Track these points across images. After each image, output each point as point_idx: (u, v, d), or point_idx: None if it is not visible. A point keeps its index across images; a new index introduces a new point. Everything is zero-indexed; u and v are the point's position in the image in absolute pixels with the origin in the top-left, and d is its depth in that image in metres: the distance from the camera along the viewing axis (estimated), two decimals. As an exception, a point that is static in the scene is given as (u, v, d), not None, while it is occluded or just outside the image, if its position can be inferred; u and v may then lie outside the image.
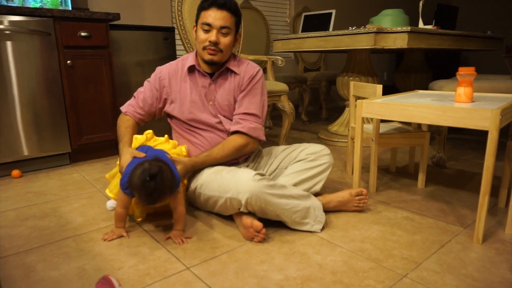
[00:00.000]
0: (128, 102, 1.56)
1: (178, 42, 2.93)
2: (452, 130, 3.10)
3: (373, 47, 2.12)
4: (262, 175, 1.28)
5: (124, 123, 1.49)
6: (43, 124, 2.09)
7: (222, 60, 1.47)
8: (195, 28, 1.47)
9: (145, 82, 1.55)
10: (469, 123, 1.20)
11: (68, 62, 2.12)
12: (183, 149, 1.51)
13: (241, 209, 1.27)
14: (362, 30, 2.14)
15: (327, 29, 2.67)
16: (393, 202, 1.62)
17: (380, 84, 1.84)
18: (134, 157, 1.29)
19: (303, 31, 2.85)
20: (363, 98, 1.61)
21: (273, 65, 2.63)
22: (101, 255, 1.20)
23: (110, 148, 2.45)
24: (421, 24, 2.52)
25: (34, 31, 1.98)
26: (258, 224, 1.24)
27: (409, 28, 2.01)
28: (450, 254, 1.19)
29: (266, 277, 1.07)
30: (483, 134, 1.19)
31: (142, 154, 1.31)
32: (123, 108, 1.55)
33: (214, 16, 1.38)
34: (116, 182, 1.41)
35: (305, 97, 3.67)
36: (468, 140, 2.81)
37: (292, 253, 1.20)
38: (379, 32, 2.10)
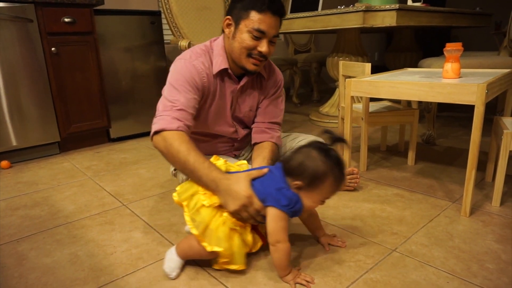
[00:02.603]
0: (169, 115, 1.10)
1: (165, 26, 2.87)
2: (443, 108, 3.12)
3: (361, 25, 2.10)
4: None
5: (188, 144, 1.05)
6: (31, 114, 2.06)
7: None
8: (229, 22, 1.18)
9: (179, 84, 1.15)
10: (456, 98, 1.21)
11: (53, 49, 2.07)
12: None
13: None
14: (350, 9, 2.12)
15: (316, 9, 2.63)
16: (384, 180, 1.63)
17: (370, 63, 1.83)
18: (253, 179, 1.00)
19: (291, 11, 2.81)
20: (352, 77, 1.61)
21: (262, 47, 2.59)
22: (93, 241, 1.20)
23: (100, 136, 2.43)
24: (409, 2, 2.50)
25: (15, 17, 1.93)
26: None
27: (397, 6, 2.00)
28: (438, 228, 1.21)
29: (256, 256, 1.08)
30: (473, 111, 1.20)
31: (263, 171, 1.01)
32: (170, 126, 1.08)
33: (269, 23, 1.14)
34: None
35: (296, 79, 3.65)
36: (458, 117, 2.83)
37: (284, 232, 1.21)
38: (368, 10, 2.08)
